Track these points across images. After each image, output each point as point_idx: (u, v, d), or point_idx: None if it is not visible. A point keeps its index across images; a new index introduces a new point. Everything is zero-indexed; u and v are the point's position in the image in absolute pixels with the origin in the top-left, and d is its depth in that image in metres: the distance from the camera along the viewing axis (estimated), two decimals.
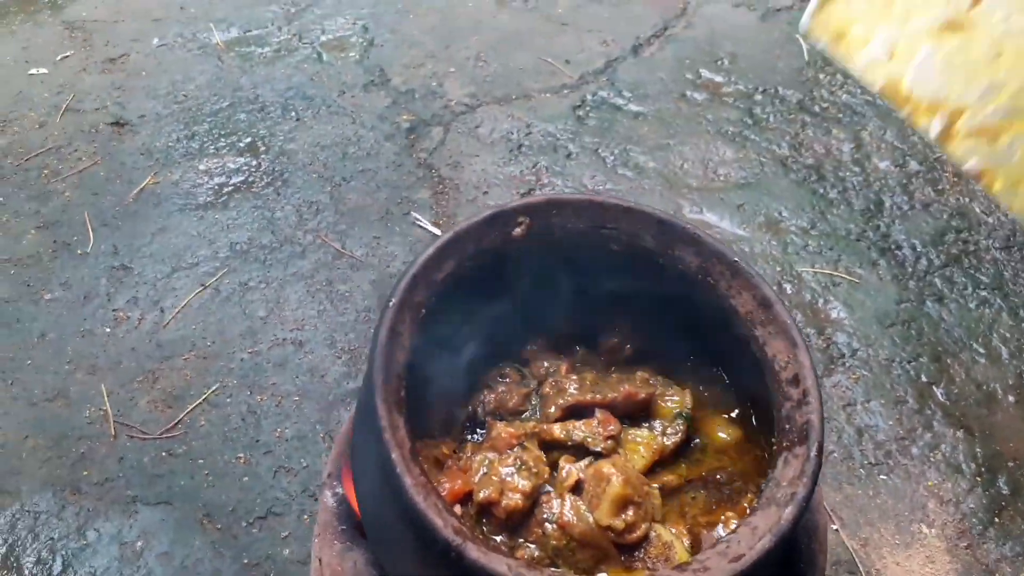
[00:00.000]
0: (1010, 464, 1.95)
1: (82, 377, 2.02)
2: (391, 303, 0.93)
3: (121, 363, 2.05)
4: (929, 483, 1.92)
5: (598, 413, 1.09)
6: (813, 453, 0.88)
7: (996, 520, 1.86)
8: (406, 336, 0.94)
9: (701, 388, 1.17)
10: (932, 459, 1.95)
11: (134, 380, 2.02)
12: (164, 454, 1.90)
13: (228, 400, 2.00)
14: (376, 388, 0.87)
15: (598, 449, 1.05)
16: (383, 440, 0.85)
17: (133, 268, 2.26)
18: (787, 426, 0.92)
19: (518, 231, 1.04)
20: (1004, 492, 1.90)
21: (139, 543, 1.77)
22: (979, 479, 1.92)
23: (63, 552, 1.74)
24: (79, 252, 2.29)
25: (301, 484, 1.86)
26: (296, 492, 1.85)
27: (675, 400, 1.13)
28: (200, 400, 1.99)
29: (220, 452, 1.91)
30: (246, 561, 1.74)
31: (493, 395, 1.13)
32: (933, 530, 1.85)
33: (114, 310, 2.16)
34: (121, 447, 1.91)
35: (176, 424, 1.95)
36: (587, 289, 1.13)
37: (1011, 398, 2.06)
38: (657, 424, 1.11)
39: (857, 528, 1.84)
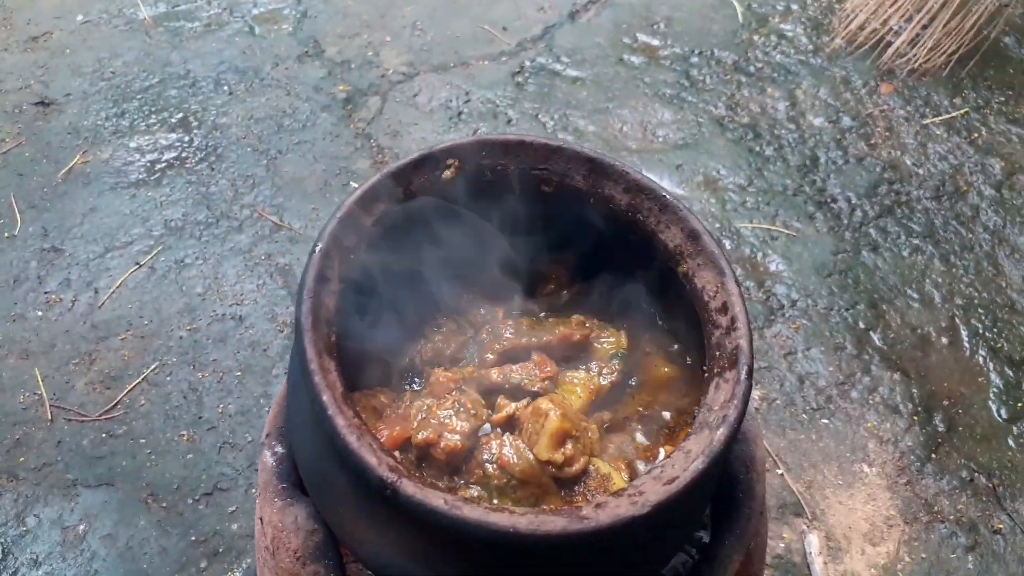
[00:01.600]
0: (945, 403, 2.01)
1: (14, 362, 1.96)
2: (317, 248, 0.92)
3: (55, 346, 1.99)
4: (868, 425, 1.97)
5: (534, 355, 1.09)
6: (743, 376, 0.89)
7: (933, 456, 1.92)
8: (335, 281, 0.92)
9: (638, 328, 1.17)
10: (871, 402, 2.01)
11: (69, 363, 1.97)
12: (104, 435, 1.85)
13: (168, 378, 1.95)
14: (304, 331, 0.86)
15: (535, 390, 1.05)
16: (313, 383, 0.84)
17: (64, 249, 2.19)
18: (717, 353, 0.94)
19: (447, 173, 1.03)
20: (940, 429, 1.97)
21: (81, 526, 1.73)
22: (916, 418, 1.98)
23: (2, 540, 1.69)
24: (6, 235, 2.21)
25: (247, 458, 1.83)
26: (242, 467, 1.82)
27: (610, 341, 1.14)
28: (139, 380, 1.94)
29: (162, 431, 1.87)
30: (193, 538, 1.71)
31: (430, 344, 1.13)
32: (874, 469, 1.90)
33: (46, 293, 2.09)
34: (58, 431, 1.85)
35: (115, 405, 1.90)
36: (521, 234, 1.13)
37: (944, 340, 2.13)
38: (593, 365, 1.12)
39: (801, 471, 1.89)
